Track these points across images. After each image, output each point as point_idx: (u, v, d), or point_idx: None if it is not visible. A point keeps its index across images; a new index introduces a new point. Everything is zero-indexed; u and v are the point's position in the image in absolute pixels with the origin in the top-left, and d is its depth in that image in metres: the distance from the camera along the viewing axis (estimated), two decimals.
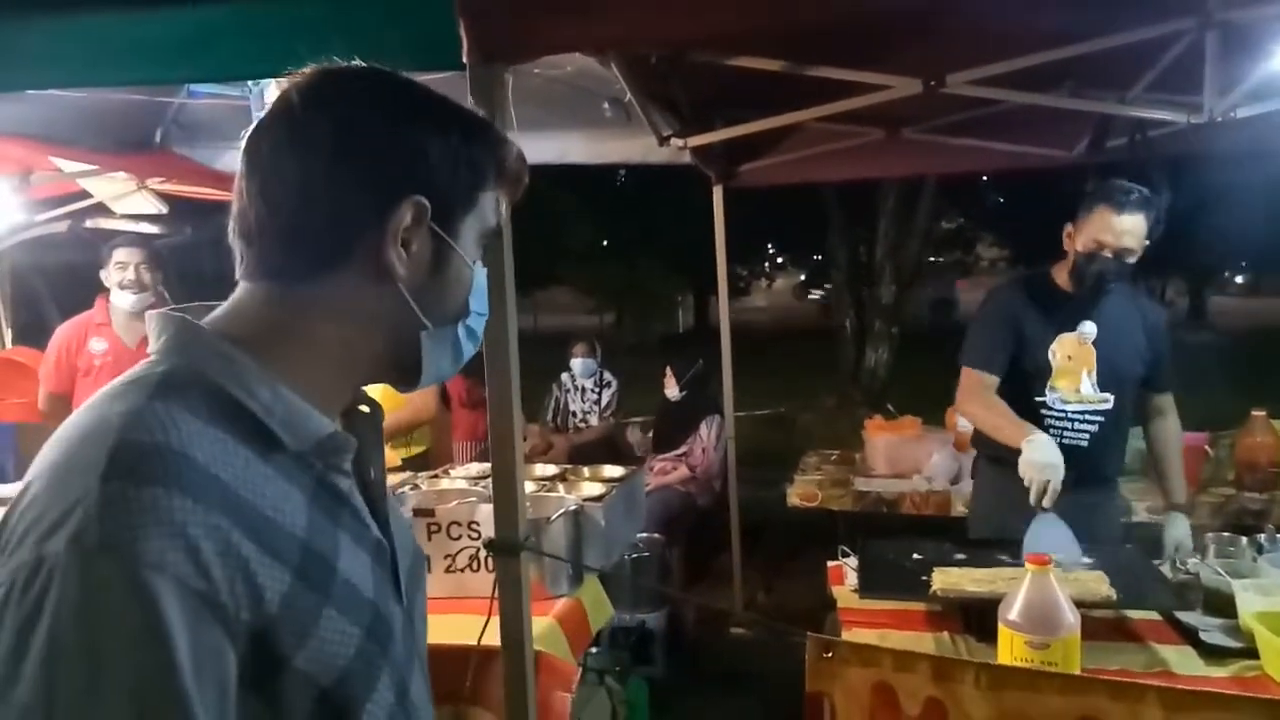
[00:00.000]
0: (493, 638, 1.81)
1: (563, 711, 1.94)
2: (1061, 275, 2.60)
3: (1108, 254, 2.45)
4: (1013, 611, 1.68)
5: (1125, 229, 2.43)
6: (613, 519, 2.44)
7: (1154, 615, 2.06)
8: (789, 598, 4.70)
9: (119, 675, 0.62)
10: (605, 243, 15.02)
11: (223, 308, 0.81)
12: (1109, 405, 2.57)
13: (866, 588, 2.09)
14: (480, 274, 0.86)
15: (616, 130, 3.84)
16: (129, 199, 4.38)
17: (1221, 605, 2.04)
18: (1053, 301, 2.59)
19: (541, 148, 4.05)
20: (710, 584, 4.89)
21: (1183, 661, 1.87)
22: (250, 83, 2.88)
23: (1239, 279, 23.20)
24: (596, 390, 5.55)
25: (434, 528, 2.26)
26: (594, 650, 2.79)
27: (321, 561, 0.74)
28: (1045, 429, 2.50)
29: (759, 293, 29.75)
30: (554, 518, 2.26)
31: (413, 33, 1.75)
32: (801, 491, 3.84)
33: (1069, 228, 2.55)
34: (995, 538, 2.42)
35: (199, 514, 0.65)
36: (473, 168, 0.82)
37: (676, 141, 3.54)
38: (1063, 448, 2.45)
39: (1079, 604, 1.81)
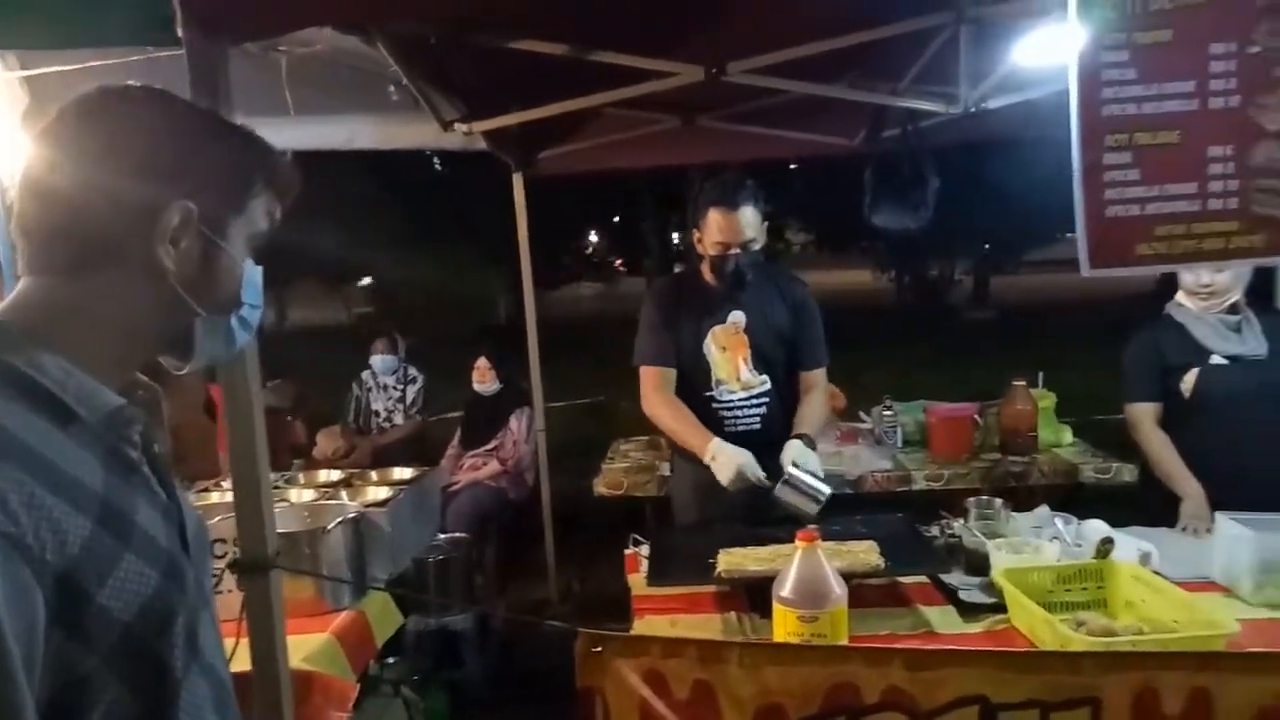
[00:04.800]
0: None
1: None
2: (707, 271, 2.65)
3: (735, 250, 2.53)
4: (785, 588, 1.73)
5: (740, 224, 2.51)
6: (399, 524, 2.33)
7: (922, 579, 2.18)
8: (603, 586, 4.70)
9: None
10: (415, 233, 14.48)
11: (6, 302, 0.88)
12: (768, 385, 2.67)
13: (654, 575, 2.10)
14: (251, 271, 0.99)
15: (405, 114, 3.67)
16: None
17: (980, 565, 2.19)
18: (703, 296, 2.65)
19: (326, 132, 3.81)
20: (527, 578, 4.83)
21: (944, 620, 1.99)
22: None
23: (1019, 258, 25.12)
24: (400, 387, 5.34)
25: None
26: (390, 661, 2.67)
27: (120, 515, 0.83)
28: (720, 420, 2.61)
29: (579, 281, 29.79)
30: (331, 527, 2.12)
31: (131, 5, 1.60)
32: (608, 480, 3.83)
33: (696, 232, 2.61)
34: (698, 523, 2.59)
35: (5, 470, 0.74)
36: (239, 177, 0.94)
37: (461, 127, 3.43)
38: (739, 434, 2.56)
39: (850, 575, 1.88)
